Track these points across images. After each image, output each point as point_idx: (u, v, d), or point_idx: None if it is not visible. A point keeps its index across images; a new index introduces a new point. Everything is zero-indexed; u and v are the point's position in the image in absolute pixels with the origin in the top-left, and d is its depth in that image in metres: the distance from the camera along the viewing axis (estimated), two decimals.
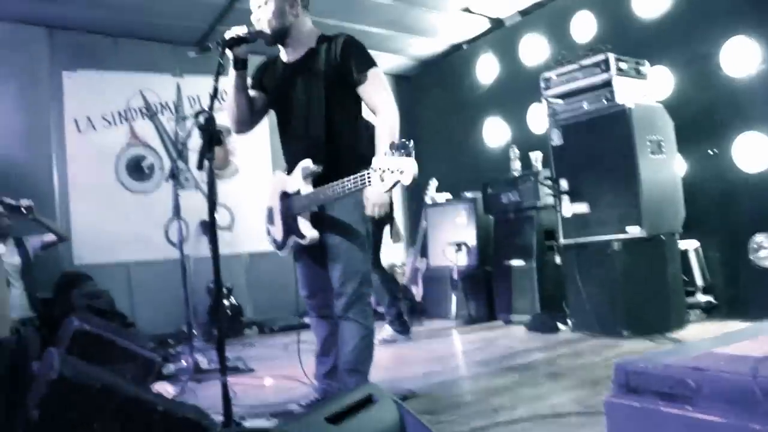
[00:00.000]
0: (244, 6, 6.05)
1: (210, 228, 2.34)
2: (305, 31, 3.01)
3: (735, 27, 4.74)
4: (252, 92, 3.14)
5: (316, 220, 2.90)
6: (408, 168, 2.30)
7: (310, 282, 3.16)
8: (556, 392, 3.09)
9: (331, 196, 2.72)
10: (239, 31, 2.78)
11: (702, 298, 4.87)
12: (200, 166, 2.27)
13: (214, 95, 2.47)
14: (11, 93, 6.32)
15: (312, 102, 2.93)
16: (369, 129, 3.16)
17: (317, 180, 2.83)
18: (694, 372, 1.49)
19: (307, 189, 2.86)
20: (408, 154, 2.32)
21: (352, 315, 2.90)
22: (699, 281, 4.90)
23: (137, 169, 6.91)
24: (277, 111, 3.15)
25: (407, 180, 2.30)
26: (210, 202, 2.30)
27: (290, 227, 2.99)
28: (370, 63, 2.89)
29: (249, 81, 3.08)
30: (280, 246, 3.12)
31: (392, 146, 2.34)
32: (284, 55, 3.06)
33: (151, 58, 7.12)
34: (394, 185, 2.34)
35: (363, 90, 2.89)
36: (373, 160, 2.38)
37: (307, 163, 2.85)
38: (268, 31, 2.90)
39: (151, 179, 6.94)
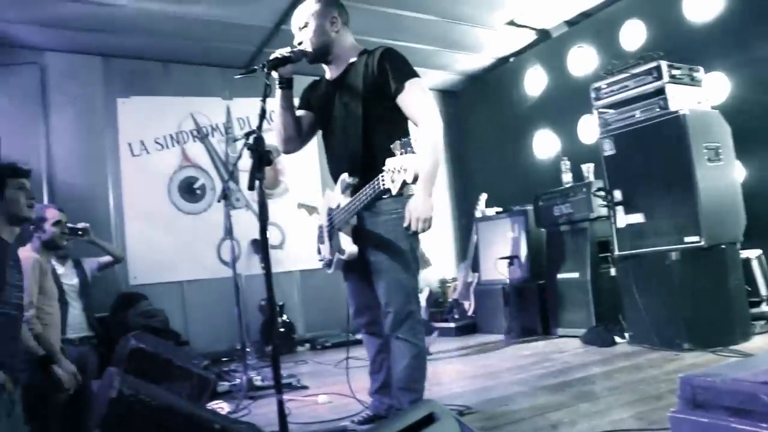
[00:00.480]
0: (289, 27, 6.24)
1: (262, 246, 2.35)
2: (347, 47, 3.03)
3: None
4: (299, 112, 3.17)
5: (359, 237, 2.89)
6: (409, 164, 2.30)
7: (357, 299, 3.16)
8: (616, 407, 3.01)
9: (358, 205, 2.75)
10: (283, 51, 2.83)
11: (767, 308, 4.70)
12: (251, 186, 2.29)
13: (263, 116, 2.50)
14: (69, 120, 6.55)
15: (350, 117, 2.93)
16: None
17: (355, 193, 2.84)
18: (767, 386, 1.42)
19: (344, 202, 2.87)
20: (410, 152, 2.32)
21: (401, 334, 2.86)
22: (763, 291, 4.73)
23: (189, 191, 7.03)
24: (321, 129, 3.17)
25: (410, 177, 2.31)
26: (261, 221, 2.31)
27: (334, 243, 3.01)
28: (409, 73, 2.86)
29: (296, 101, 3.12)
30: (328, 263, 3.14)
31: (397, 146, 2.35)
32: (328, 73, 3.09)
33: (201, 81, 7.28)
34: (403, 185, 2.36)
35: (401, 100, 2.85)
36: (386, 161, 2.40)
37: (344, 176, 2.86)
38: (310, 50, 2.93)
39: (203, 200, 7.06)
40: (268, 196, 6.90)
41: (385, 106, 2.88)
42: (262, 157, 2.32)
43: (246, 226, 6.31)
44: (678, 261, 4.38)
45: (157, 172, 6.91)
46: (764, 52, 4.80)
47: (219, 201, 4.62)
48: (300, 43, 2.94)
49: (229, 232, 4.71)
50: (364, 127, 2.89)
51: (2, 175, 2.93)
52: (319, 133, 3.22)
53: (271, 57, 2.78)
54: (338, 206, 2.92)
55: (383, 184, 2.44)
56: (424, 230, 2.76)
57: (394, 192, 2.41)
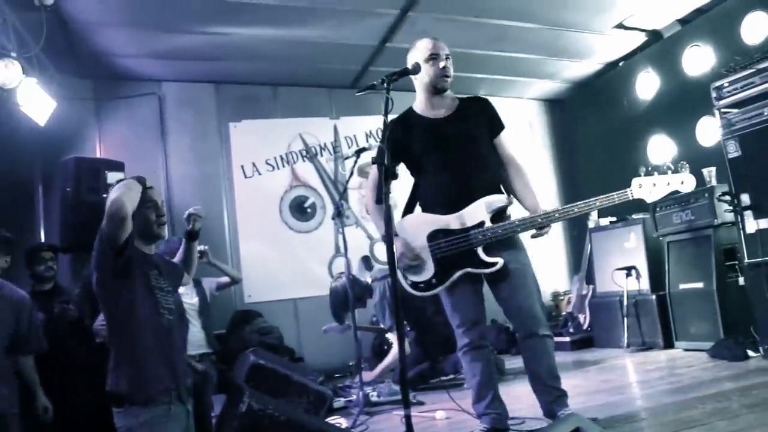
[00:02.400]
0: (394, 46, 6.32)
1: (389, 262, 2.35)
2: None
3: None
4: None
5: (493, 249, 3.11)
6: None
7: (466, 315, 3.22)
8: (757, 426, 2.81)
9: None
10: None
11: None
12: (379, 200, 2.33)
13: (386, 130, 2.52)
14: (185, 146, 6.90)
15: (464, 153, 3.19)
16: None
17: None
18: None
19: (490, 221, 3.10)
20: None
21: (545, 331, 3.14)
22: None
23: (300, 209, 7.19)
24: (427, 160, 3.27)
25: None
26: (388, 236, 2.31)
27: (459, 261, 3.12)
28: (503, 123, 3.35)
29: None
30: (428, 285, 3.19)
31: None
32: (428, 111, 3.30)
33: (308, 102, 7.46)
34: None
35: (499, 143, 3.31)
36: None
37: (492, 199, 3.14)
38: (446, 84, 3.26)
39: (313, 218, 7.20)
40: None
41: (488, 148, 3.29)
42: (388, 171, 2.33)
43: (356, 243, 6.37)
44: None
45: (269, 193, 7.12)
46: None
47: (333, 219, 4.70)
48: (447, 73, 3.23)
49: (342, 249, 4.76)
50: (477, 166, 3.20)
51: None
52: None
53: (392, 73, 2.84)
54: (480, 224, 3.09)
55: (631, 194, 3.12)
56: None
57: (649, 200, 3.19)
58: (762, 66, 4.44)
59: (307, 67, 6.96)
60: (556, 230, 8.11)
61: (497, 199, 3.15)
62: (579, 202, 3.11)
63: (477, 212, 3.11)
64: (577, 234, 7.53)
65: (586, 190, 7.50)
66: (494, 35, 6.32)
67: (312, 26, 5.97)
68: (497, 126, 3.31)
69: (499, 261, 3.06)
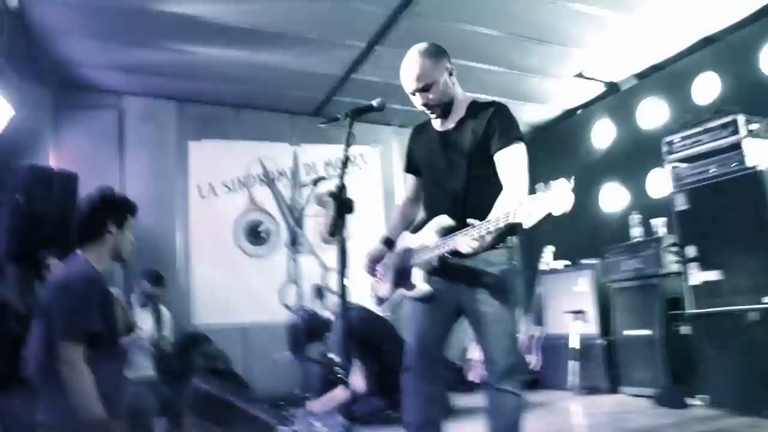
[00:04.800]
0: (360, 77, 6.39)
1: (341, 297, 2.34)
2: (461, 98, 2.99)
3: None
4: (409, 179, 3.23)
5: (471, 283, 2.81)
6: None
7: (424, 340, 2.96)
8: None
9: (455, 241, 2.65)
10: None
11: None
12: (333, 233, 2.30)
13: (346, 164, 2.50)
14: (143, 161, 6.80)
15: (453, 173, 2.91)
16: None
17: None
18: None
19: (433, 241, 2.80)
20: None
21: (509, 386, 2.74)
22: None
23: (254, 234, 7.14)
24: (424, 178, 3.13)
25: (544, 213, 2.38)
26: (340, 270, 2.31)
27: (400, 281, 2.98)
28: (513, 137, 2.82)
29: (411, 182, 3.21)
30: (382, 301, 3.10)
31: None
32: (437, 124, 3.04)
33: (270, 127, 7.45)
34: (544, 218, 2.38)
35: (499, 159, 2.82)
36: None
37: (441, 218, 2.79)
38: (438, 110, 2.92)
39: (267, 244, 7.14)
40: (328, 242, 7.01)
41: (488, 166, 2.84)
42: (344, 205, 2.32)
43: (309, 271, 6.33)
44: (758, 321, 4.21)
45: (224, 215, 7.07)
46: None
47: (287, 247, 4.67)
48: (425, 104, 2.90)
49: (294, 278, 4.74)
50: (465, 187, 2.87)
51: (128, 208, 2.94)
52: (387, 180, 3.27)
53: (356, 107, 2.80)
54: (423, 245, 2.88)
55: (514, 216, 2.40)
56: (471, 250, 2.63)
57: (526, 225, 2.37)
58: (711, 125, 4.63)
59: (272, 91, 6.97)
60: None
61: (446, 220, 2.79)
62: (468, 228, 2.60)
63: (425, 231, 2.89)
64: (529, 275, 7.62)
65: (542, 233, 7.61)
66: (459, 76, 6.41)
67: (279, 51, 6.00)
68: (498, 141, 2.83)
69: (423, 288, 2.84)
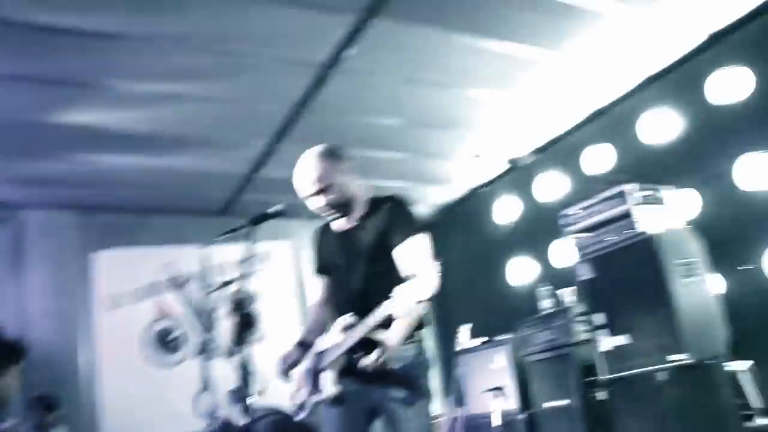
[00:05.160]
0: (265, 175, 6.42)
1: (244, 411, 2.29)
2: (361, 196, 3.03)
3: (748, 143, 4.85)
4: (320, 281, 3.21)
5: (382, 383, 2.78)
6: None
7: None
8: None
9: (356, 337, 2.67)
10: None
11: (763, 420, 4.59)
12: (231, 353, 2.26)
13: (245, 280, 2.48)
14: (44, 277, 6.51)
15: (355, 270, 2.92)
16: None
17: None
18: None
19: (338, 339, 2.80)
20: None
21: None
22: (755, 404, 4.64)
23: (164, 343, 6.90)
24: (328, 279, 3.15)
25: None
26: (243, 384, 2.27)
27: (316, 384, 2.93)
28: (412, 230, 2.86)
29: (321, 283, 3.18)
30: (301, 408, 3.03)
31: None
32: (337, 224, 3.07)
33: (178, 230, 7.29)
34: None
35: (401, 252, 2.84)
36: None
37: (343, 317, 2.79)
38: (337, 213, 2.96)
39: (178, 351, 6.91)
40: (234, 352, 6.85)
41: (388, 262, 2.86)
42: (247, 318, 2.30)
43: (225, 375, 6.13)
44: (666, 381, 4.32)
45: (132, 325, 6.80)
46: (722, 167, 4.99)
47: (194, 357, 4.53)
48: (324, 206, 2.92)
49: (207, 385, 4.59)
50: (365, 285, 2.87)
51: (10, 357, 2.83)
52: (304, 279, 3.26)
53: (257, 215, 2.82)
54: (330, 346, 2.86)
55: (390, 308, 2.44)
56: (374, 367, 2.66)
57: (398, 313, 2.45)
58: (604, 195, 4.85)
59: (177, 194, 6.90)
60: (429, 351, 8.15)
61: (345, 320, 2.78)
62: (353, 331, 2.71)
63: (331, 332, 2.88)
64: (448, 356, 7.63)
65: (457, 312, 7.68)
66: (361, 165, 6.52)
67: (183, 154, 5.99)
68: (398, 236, 2.85)
69: (332, 390, 2.80)
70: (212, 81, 4.95)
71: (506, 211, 7.33)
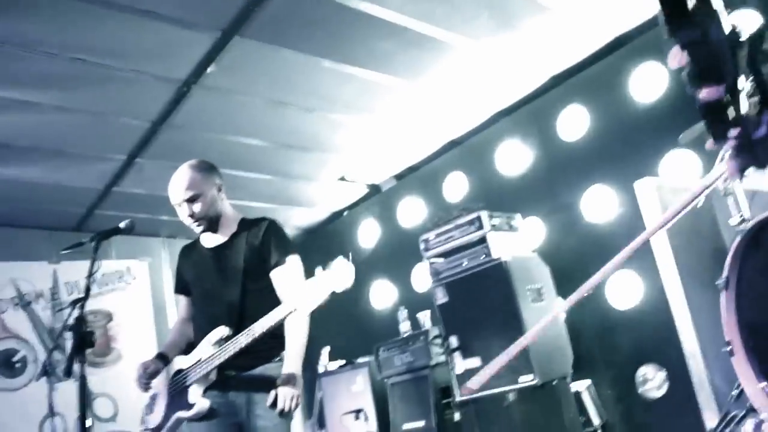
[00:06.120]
0: (121, 190, 6.18)
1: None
2: (230, 215, 3.10)
3: (592, 177, 5.20)
4: (180, 299, 3.24)
5: (244, 389, 2.83)
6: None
7: None
8: None
9: (230, 351, 2.70)
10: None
11: None
12: (68, 373, 2.18)
13: (87, 295, 2.41)
14: None
15: (228, 288, 2.95)
16: None
17: None
18: None
19: (208, 353, 2.80)
20: None
21: None
22: (596, 420, 4.92)
23: (8, 365, 6.44)
24: (195, 295, 3.14)
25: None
26: (81, 408, 2.18)
27: (176, 403, 2.89)
28: (287, 252, 2.98)
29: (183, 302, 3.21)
30: (158, 429, 2.96)
31: None
32: (207, 241, 3.10)
33: (26, 245, 6.86)
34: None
35: (275, 276, 2.95)
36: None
37: (219, 329, 2.80)
38: (204, 222, 2.98)
39: (23, 374, 6.47)
40: (98, 364, 6.55)
41: (263, 280, 2.95)
42: (84, 339, 2.22)
43: (72, 399, 5.82)
44: (516, 401, 4.52)
45: None
46: (569, 198, 5.34)
47: (37, 380, 4.30)
48: (191, 215, 2.94)
49: (54, 408, 4.35)
50: (243, 294, 2.92)
51: None
52: (159, 295, 3.19)
53: (104, 230, 2.83)
54: (198, 361, 2.83)
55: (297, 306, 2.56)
56: (293, 408, 2.77)
57: (313, 307, 2.57)
58: (460, 222, 5.03)
59: (27, 207, 6.48)
60: None
61: (220, 332, 2.79)
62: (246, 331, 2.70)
63: (204, 346, 2.85)
64: (309, 378, 7.60)
65: (319, 335, 7.64)
66: (226, 184, 6.43)
67: (35, 166, 5.64)
68: (273, 257, 2.95)
69: (202, 404, 2.78)
70: (68, 91, 4.71)
71: (369, 234, 7.43)
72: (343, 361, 6.72)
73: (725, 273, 3.00)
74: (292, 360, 2.83)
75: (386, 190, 7.32)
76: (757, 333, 2.90)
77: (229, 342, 2.72)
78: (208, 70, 4.61)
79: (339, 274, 2.59)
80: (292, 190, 7.04)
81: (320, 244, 8.17)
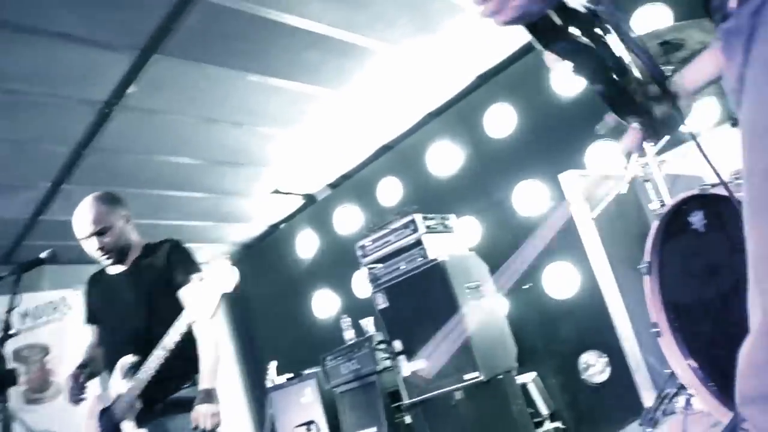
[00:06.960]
0: (49, 218, 6.00)
1: None
2: (136, 243, 3.09)
3: (522, 172, 5.32)
4: (91, 329, 3.18)
5: (171, 414, 2.82)
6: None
7: None
8: None
9: (144, 378, 2.68)
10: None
11: (551, 425, 4.98)
12: None
13: (6, 333, 2.34)
14: None
15: (136, 312, 2.92)
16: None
17: None
18: None
19: (126, 386, 2.76)
20: None
21: None
22: (544, 410, 5.02)
23: None
24: (103, 325, 3.09)
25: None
26: None
27: None
28: (193, 271, 2.94)
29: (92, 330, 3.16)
30: None
31: None
32: (112, 268, 3.08)
33: None
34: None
35: (182, 295, 2.90)
36: None
37: (124, 359, 2.78)
38: (113, 255, 2.96)
39: None
40: (37, 400, 6.34)
41: (170, 299, 2.91)
42: (6, 378, 2.16)
43: None
44: (463, 399, 4.57)
45: None
46: (501, 194, 5.46)
47: None
48: (101, 248, 2.92)
49: None
50: (150, 318, 2.89)
51: None
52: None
53: (26, 261, 2.76)
54: (119, 396, 2.78)
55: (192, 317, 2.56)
56: (214, 427, 2.74)
57: (209, 314, 2.54)
58: (395, 226, 5.07)
59: None
60: (238, 394, 8.00)
61: (129, 359, 2.79)
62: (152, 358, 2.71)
63: (114, 382, 2.83)
64: (259, 394, 7.53)
65: (266, 349, 7.61)
66: (156, 204, 6.34)
67: None
68: (179, 277, 2.92)
69: None
70: None
71: (307, 245, 7.41)
72: (291, 374, 6.67)
73: (646, 258, 3.10)
74: (206, 376, 2.81)
75: (321, 200, 7.31)
76: (682, 313, 3.00)
77: (140, 369, 2.71)
78: (129, 90, 4.52)
79: (221, 275, 2.59)
80: (226, 207, 6.96)
81: (259, 258, 8.12)
